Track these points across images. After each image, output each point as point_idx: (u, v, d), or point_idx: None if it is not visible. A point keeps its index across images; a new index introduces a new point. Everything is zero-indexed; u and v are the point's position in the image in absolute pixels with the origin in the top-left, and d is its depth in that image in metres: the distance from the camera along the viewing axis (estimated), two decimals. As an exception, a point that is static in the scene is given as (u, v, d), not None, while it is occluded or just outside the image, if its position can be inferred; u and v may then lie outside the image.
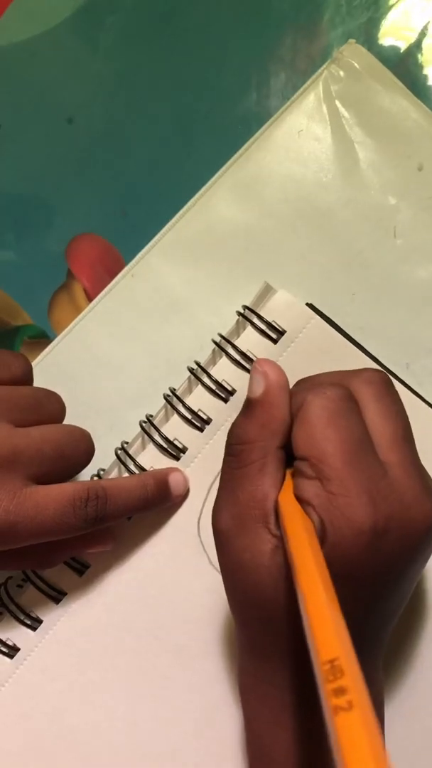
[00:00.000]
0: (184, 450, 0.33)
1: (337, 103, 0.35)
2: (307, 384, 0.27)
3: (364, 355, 0.32)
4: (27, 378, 0.31)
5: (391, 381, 0.26)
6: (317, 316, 0.32)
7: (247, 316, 0.33)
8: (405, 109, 0.35)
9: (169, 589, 0.33)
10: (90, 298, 0.41)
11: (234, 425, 0.27)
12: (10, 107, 0.42)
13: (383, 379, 0.26)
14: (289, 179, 0.36)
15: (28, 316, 0.41)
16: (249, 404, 0.26)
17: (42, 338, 0.41)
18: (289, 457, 0.26)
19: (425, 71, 0.37)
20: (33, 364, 0.36)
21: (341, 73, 0.36)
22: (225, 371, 0.33)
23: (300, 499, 0.24)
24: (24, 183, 0.43)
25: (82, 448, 0.31)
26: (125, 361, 0.36)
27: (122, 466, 0.33)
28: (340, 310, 0.33)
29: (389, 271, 0.35)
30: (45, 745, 0.33)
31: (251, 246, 0.36)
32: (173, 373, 0.35)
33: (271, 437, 0.25)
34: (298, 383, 0.27)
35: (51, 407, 0.31)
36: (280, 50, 0.38)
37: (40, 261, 0.42)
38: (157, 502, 0.32)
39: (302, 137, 0.36)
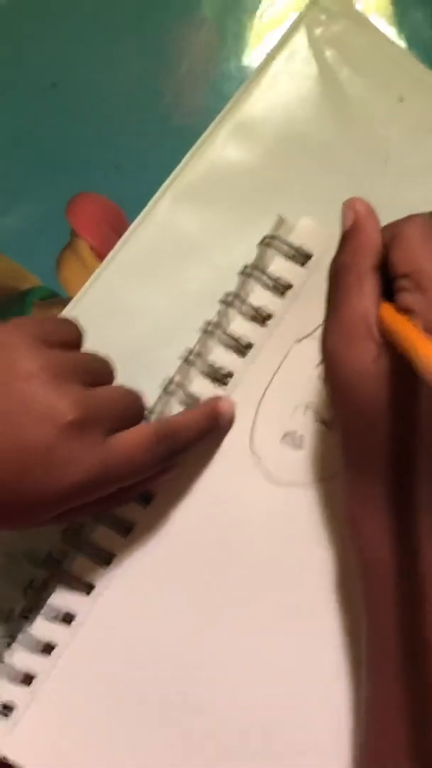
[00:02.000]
0: (230, 375, 0.35)
1: (322, 44, 0.38)
2: (396, 221, 0.30)
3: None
4: (80, 342, 0.33)
5: None
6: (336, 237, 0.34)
7: (273, 244, 0.35)
8: (379, 46, 0.39)
9: (228, 508, 0.35)
10: (98, 255, 0.42)
11: (333, 259, 0.29)
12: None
13: None
14: (285, 119, 0.38)
15: (36, 278, 0.42)
16: (343, 236, 0.29)
17: (53, 297, 0.42)
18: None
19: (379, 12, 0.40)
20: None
21: (322, 17, 0.38)
22: (258, 297, 0.35)
23: (401, 310, 0.27)
24: (13, 149, 0.43)
25: (139, 405, 0.33)
26: (150, 306, 0.38)
27: (170, 400, 0.35)
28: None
29: (385, 196, 0.38)
30: (124, 676, 0.35)
31: (257, 184, 0.38)
32: (200, 312, 0.37)
33: (364, 259, 0.28)
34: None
35: (106, 369, 0.33)
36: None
37: (40, 224, 0.43)
38: (212, 430, 0.34)
39: (293, 79, 0.38)
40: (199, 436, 0.33)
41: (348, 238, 0.29)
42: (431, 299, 0.26)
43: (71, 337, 0.32)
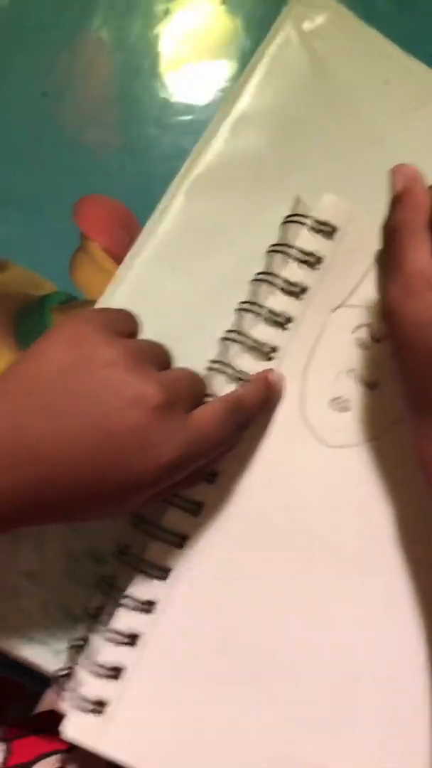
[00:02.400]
0: (274, 349, 0.37)
1: (309, 36, 0.41)
2: None
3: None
4: (138, 331, 0.34)
5: None
6: (359, 211, 0.37)
7: (299, 221, 0.37)
8: (361, 35, 0.42)
9: (288, 474, 0.36)
10: (111, 254, 0.43)
11: (386, 219, 0.32)
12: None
13: None
14: (283, 107, 0.41)
15: (51, 284, 0.43)
16: (394, 198, 0.31)
17: (71, 301, 0.43)
18: None
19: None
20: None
21: (307, 11, 0.41)
22: (293, 273, 0.37)
23: None
24: (11, 158, 0.44)
25: (203, 384, 0.34)
26: (180, 296, 0.39)
27: (219, 378, 0.36)
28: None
29: (382, 172, 0.41)
30: (213, 653, 0.35)
31: (265, 170, 0.40)
32: (229, 295, 0.39)
33: (418, 216, 0.30)
34: None
35: (167, 353, 0.34)
36: None
37: (48, 230, 0.43)
38: (269, 400, 0.36)
39: (286, 70, 0.41)
40: (260, 407, 0.35)
41: (400, 198, 0.31)
42: None
43: (133, 326, 0.33)
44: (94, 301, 0.42)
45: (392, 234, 0.31)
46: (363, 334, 0.37)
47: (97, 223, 0.43)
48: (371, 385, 0.37)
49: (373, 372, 0.37)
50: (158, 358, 0.32)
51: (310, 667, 0.35)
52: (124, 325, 0.33)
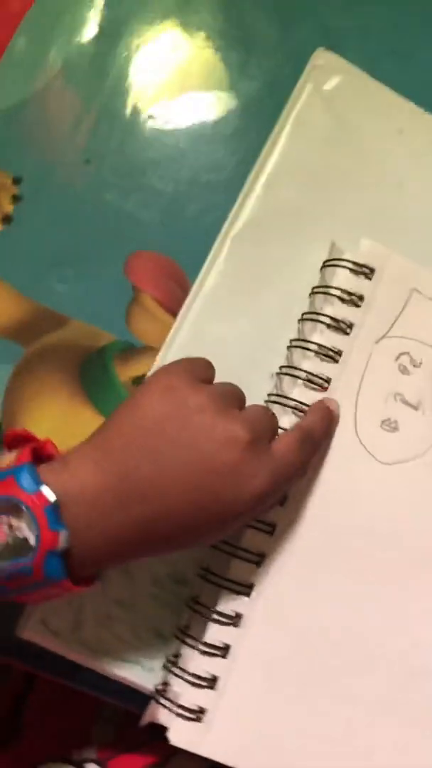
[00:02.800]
0: (328, 380, 0.41)
1: (330, 96, 0.46)
2: None
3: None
4: (214, 375, 0.38)
5: None
6: (398, 254, 0.42)
7: (340, 264, 0.42)
8: (374, 91, 0.47)
9: (350, 491, 0.41)
10: (161, 304, 0.47)
11: None
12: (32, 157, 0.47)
13: None
14: (312, 161, 0.45)
15: (110, 335, 0.47)
16: None
17: (129, 349, 0.47)
18: None
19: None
20: (156, 364, 0.42)
21: (324, 74, 0.46)
22: (337, 311, 0.41)
23: None
24: (63, 224, 0.48)
25: (275, 418, 0.38)
26: (233, 338, 0.43)
27: (279, 410, 0.41)
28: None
29: (404, 215, 0.45)
30: (299, 659, 0.40)
31: (302, 217, 0.45)
32: (278, 334, 0.43)
33: None
34: None
35: (241, 393, 0.38)
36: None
37: (102, 286, 0.47)
38: (332, 427, 0.40)
39: (313, 126, 0.45)
40: (328, 433, 0.39)
41: None
42: None
43: (211, 372, 0.37)
44: (151, 347, 0.46)
45: None
46: (405, 361, 0.42)
47: (146, 276, 0.47)
48: (415, 406, 0.41)
49: (416, 394, 0.41)
50: (237, 398, 0.37)
51: (385, 664, 0.39)
52: (204, 371, 0.37)
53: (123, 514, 0.33)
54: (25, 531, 0.32)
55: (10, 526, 0.32)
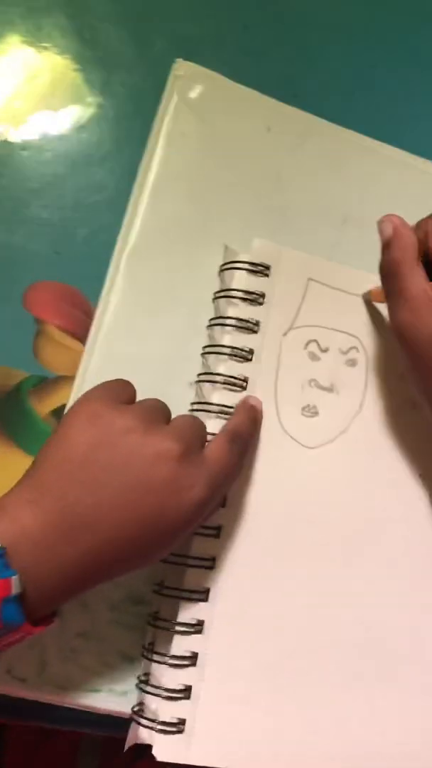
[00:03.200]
0: (245, 379, 0.42)
1: (195, 102, 0.47)
2: (421, 222, 0.38)
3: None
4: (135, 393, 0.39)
5: None
6: (288, 248, 0.43)
7: (236, 267, 0.43)
8: (236, 94, 0.48)
9: (284, 479, 0.42)
10: (67, 331, 0.47)
11: (382, 261, 0.38)
12: None
13: None
14: (189, 169, 0.47)
15: (20, 371, 0.46)
16: (386, 243, 0.38)
17: (44, 381, 0.47)
18: None
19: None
20: (74, 393, 0.42)
21: (187, 82, 0.47)
22: (242, 312, 0.43)
23: None
24: None
25: (203, 424, 0.39)
26: (146, 353, 0.44)
27: (205, 416, 0.42)
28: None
29: (283, 204, 0.47)
30: (266, 650, 0.41)
31: (188, 227, 0.46)
32: (188, 343, 0.44)
33: (410, 253, 0.37)
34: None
35: (165, 406, 0.38)
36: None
37: (4, 323, 0.47)
38: (257, 423, 0.41)
39: (183, 135, 0.47)
40: (254, 429, 0.40)
41: (392, 241, 0.38)
42: None
43: (132, 391, 0.38)
44: (64, 377, 0.46)
45: (390, 270, 0.38)
46: (313, 348, 0.43)
47: (47, 306, 0.47)
48: (329, 389, 0.43)
49: (328, 377, 0.43)
50: (162, 412, 0.37)
51: (344, 638, 0.41)
52: (124, 392, 0.37)
53: (71, 548, 0.33)
54: None
55: None
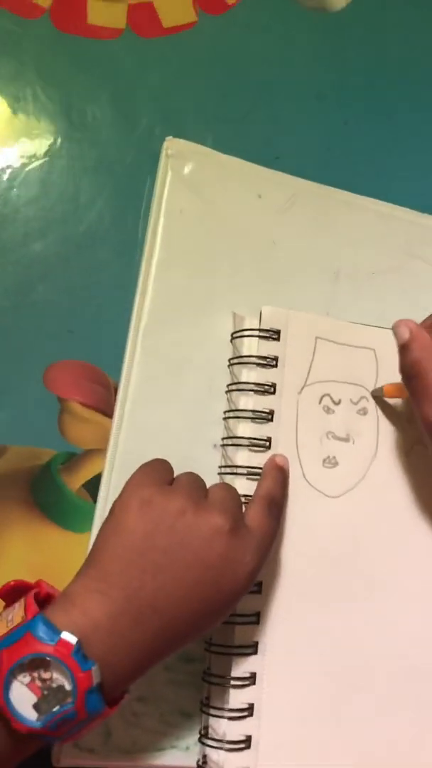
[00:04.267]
0: (268, 439, 0.45)
1: (190, 178, 0.49)
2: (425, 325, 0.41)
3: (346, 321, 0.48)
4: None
5: None
6: (295, 311, 0.46)
7: (249, 334, 0.46)
8: (227, 166, 0.51)
9: (314, 527, 0.45)
10: (90, 406, 0.49)
11: (403, 364, 0.40)
12: None
13: None
14: (190, 243, 0.49)
15: (49, 450, 0.48)
16: (404, 345, 0.39)
17: (72, 456, 0.49)
18: None
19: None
20: (108, 468, 0.44)
21: (180, 159, 0.49)
22: (258, 376, 0.45)
23: None
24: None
25: (236, 491, 0.41)
26: (172, 420, 0.47)
27: (234, 478, 0.44)
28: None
29: (278, 268, 0.50)
30: (317, 683, 0.44)
31: (197, 299, 0.48)
32: (210, 407, 0.47)
33: (429, 352, 0.39)
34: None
35: (201, 478, 0.41)
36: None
37: (25, 407, 0.49)
38: (287, 482, 0.44)
39: (183, 210, 0.49)
40: (284, 491, 0.43)
41: (411, 342, 0.39)
42: None
43: (170, 469, 0.40)
44: (92, 450, 0.48)
45: (413, 370, 0.39)
46: (327, 402, 0.46)
47: (67, 383, 0.49)
48: (345, 438, 0.46)
49: (344, 428, 0.46)
50: (201, 485, 0.40)
51: (385, 668, 0.44)
52: (166, 472, 0.40)
53: (140, 632, 0.35)
54: (59, 679, 0.33)
55: (42, 680, 0.34)
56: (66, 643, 0.33)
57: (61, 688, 0.33)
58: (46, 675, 0.34)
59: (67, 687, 0.33)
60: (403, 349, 0.40)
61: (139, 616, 0.35)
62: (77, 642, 0.33)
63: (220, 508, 0.38)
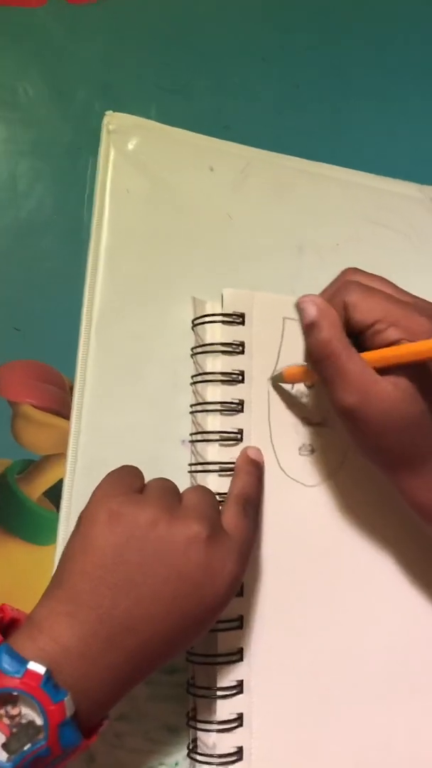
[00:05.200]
0: (240, 432, 0.42)
1: (134, 155, 0.46)
2: (336, 295, 0.37)
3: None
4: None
5: None
6: (259, 292, 0.43)
7: (211, 320, 0.42)
8: (174, 138, 0.47)
9: (292, 517, 0.42)
10: (43, 408, 0.46)
11: (309, 344, 0.36)
12: None
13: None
14: (140, 224, 0.45)
15: (3, 459, 0.45)
16: (312, 324, 0.36)
17: (30, 464, 0.45)
18: None
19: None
20: (68, 477, 0.41)
21: (120, 137, 0.46)
22: (225, 364, 0.42)
23: (388, 344, 0.35)
24: None
25: (212, 493, 0.38)
26: (133, 420, 0.43)
27: (206, 476, 0.41)
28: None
29: (237, 245, 0.47)
30: (304, 680, 0.41)
31: (152, 282, 0.45)
32: (175, 401, 0.44)
33: (339, 331, 0.36)
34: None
35: (172, 482, 0.38)
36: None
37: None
38: (261, 476, 0.41)
39: (129, 190, 0.45)
40: (260, 486, 0.40)
41: (319, 320, 0.36)
42: (404, 326, 0.35)
43: (141, 476, 0.37)
44: (49, 455, 0.45)
45: (322, 352, 0.35)
46: (300, 386, 0.43)
47: (17, 386, 0.46)
48: (321, 423, 0.43)
49: (319, 412, 0.44)
50: (174, 491, 0.37)
51: (373, 658, 0.43)
52: (135, 479, 0.37)
53: (115, 654, 0.33)
54: (29, 714, 0.31)
55: (11, 717, 0.31)
56: (34, 674, 0.30)
57: (31, 723, 0.30)
58: (14, 711, 0.31)
59: (38, 722, 0.30)
60: (310, 328, 0.36)
61: (113, 636, 0.32)
62: (46, 671, 0.31)
63: (195, 515, 0.35)
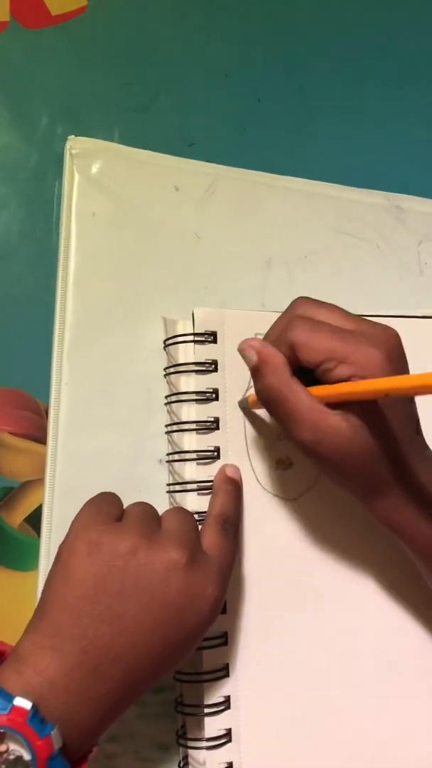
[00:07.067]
0: (217, 449, 0.42)
1: (98, 179, 0.46)
2: (284, 333, 0.36)
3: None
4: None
5: None
6: (229, 310, 0.43)
7: (182, 340, 0.43)
8: (138, 160, 0.47)
9: (274, 531, 0.43)
10: (20, 434, 0.46)
11: (257, 389, 0.36)
12: None
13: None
14: (106, 246, 0.46)
15: (-19, 487, 0.45)
16: (255, 369, 0.35)
17: (9, 491, 0.45)
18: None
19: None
20: (47, 500, 0.41)
21: (86, 158, 0.46)
22: (198, 383, 0.43)
23: (339, 381, 0.34)
24: None
25: (191, 515, 0.38)
26: (109, 442, 0.44)
27: (186, 496, 0.42)
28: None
29: (206, 264, 0.47)
30: (291, 698, 0.42)
31: (122, 306, 0.45)
32: (150, 421, 0.44)
33: (284, 372, 0.35)
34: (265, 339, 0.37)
35: (151, 506, 0.38)
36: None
37: None
38: (240, 494, 0.41)
39: (95, 214, 0.45)
40: (239, 505, 0.41)
41: (261, 366, 0.35)
42: (352, 361, 0.34)
43: (119, 502, 0.37)
44: (29, 482, 0.45)
45: (269, 396, 0.35)
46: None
47: (-7, 413, 0.46)
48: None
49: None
50: (153, 516, 0.37)
51: (362, 666, 0.43)
52: (113, 506, 0.37)
53: (101, 684, 0.33)
54: (16, 751, 0.31)
55: None
56: (20, 710, 0.30)
57: (19, 759, 0.30)
58: (1, 747, 0.31)
59: (26, 757, 0.30)
60: (254, 373, 0.36)
61: (98, 667, 0.33)
62: (32, 706, 0.31)
63: (174, 540, 0.35)
